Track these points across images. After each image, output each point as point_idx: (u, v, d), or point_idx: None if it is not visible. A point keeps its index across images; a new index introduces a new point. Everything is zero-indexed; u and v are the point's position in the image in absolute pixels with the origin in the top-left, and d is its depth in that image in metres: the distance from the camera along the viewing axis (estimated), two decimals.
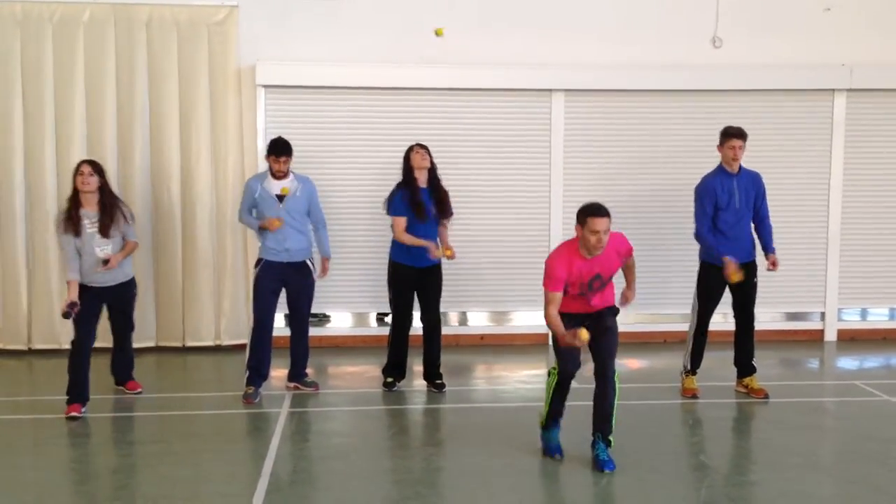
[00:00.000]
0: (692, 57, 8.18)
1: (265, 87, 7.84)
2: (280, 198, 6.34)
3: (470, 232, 8.06)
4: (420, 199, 6.42)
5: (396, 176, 7.61)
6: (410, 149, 6.55)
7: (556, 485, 4.98)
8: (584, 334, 4.81)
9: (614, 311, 5.24)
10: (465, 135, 8.06)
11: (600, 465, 5.04)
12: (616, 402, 5.09)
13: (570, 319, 5.03)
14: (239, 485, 4.82)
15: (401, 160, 6.66)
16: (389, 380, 6.69)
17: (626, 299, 5.38)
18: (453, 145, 8.03)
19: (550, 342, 5.57)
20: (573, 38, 8.09)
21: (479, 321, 8.78)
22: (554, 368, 5.22)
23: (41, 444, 5.59)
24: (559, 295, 4.98)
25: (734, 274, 6.10)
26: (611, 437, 5.11)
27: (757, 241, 6.47)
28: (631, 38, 8.13)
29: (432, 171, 6.55)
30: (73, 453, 5.41)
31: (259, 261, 6.42)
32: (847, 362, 7.89)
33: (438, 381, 6.71)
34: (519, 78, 7.99)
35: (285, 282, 6.44)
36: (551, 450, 5.31)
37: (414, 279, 6.55)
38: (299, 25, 7.90)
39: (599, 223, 4.82)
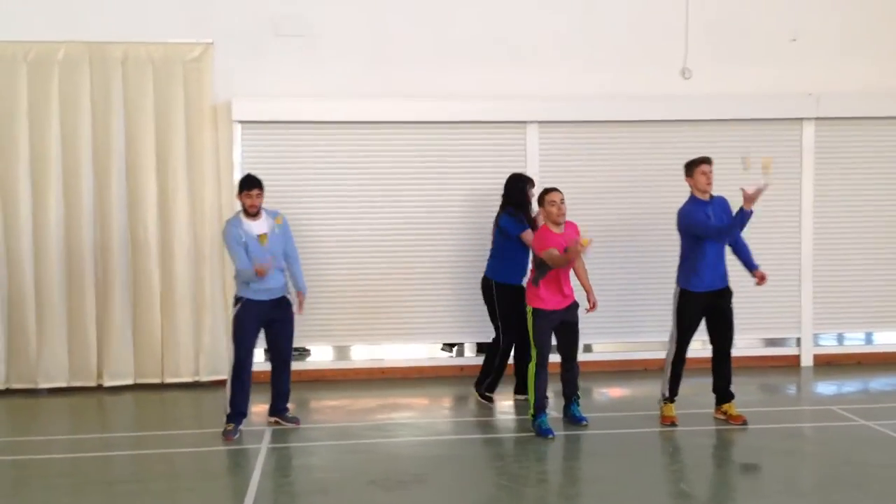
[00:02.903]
0: (663, 88, 8.32)
1: (241, 122, 7.86)
2: (261, 238, 6.34)
3: (451, 263, 8.11)
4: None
5: (375, 207, 8.00)
6: (535, 189, 7.00)
7: None
8: (585, 241, 6.07)
9: (577, 306, 6.44)
10: (442, 166, 8.12)
11: (577, 420, 6.46)
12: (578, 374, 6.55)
13: (549, 316, 6.26)
14: None
15: (376, 191, 7.93)
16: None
17: (592, 305, 6.51)
18: (430, 177, 8.09)
19: (530, 330, 6.33)
20: (547, 70, 8.21)
21: (461, 351, 8.75)
22: (533, 351, 6.28)
23: (17, 485, 5.52)
24: (553, 249, 6.12)
25: (767, 165, 6.15)
26: (579, 395, 6.57)
27: (737, 263, 6.52)
28: (603, 70, 8.26)
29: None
30: (49, 495, 5.33)
31: (238, 299, 6.38)
32: (824, 387, 7.95)
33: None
34: (494, 110, 8.08)
35: (266, 319, 6.42)
36: (544, 432, 6.19)
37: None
38: (274, 61, 7.95)
39: (555, 195, 6.30)
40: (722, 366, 6.55)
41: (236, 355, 6.34)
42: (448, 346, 8.57)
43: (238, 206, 6.45)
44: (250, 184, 6.33)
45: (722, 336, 6.51)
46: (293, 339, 6.61)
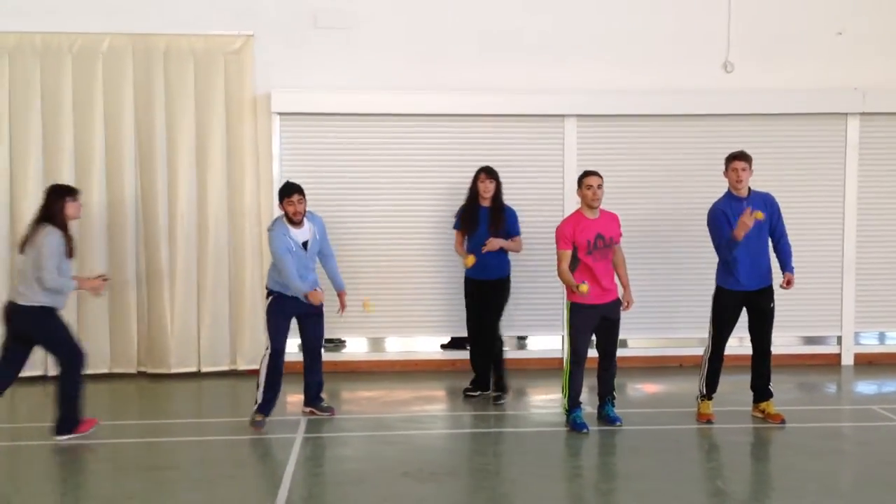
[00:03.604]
0: (704, 81, 8.22)
1: (280, 114, 7.93)
2: (304, 245, 6.37)
3: None
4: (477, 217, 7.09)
5: (413, 200, 8.11)
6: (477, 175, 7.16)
7: None
8: (584, 288, 5.95)
9: (619, 302, 6.32)
10: (480, 159, 8.05)
11: (612, 420, 6.31)
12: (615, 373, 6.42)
13: (587, 311, 6.13)
14: None
15: (414, 184, 7.96)
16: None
17: (626, 304, 6.33)
18: (468, 170, 8.04)
19: (565, 331, 6.37)
20: (585, 63, 8.16)
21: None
22: (567, 348, 6.27)
23: (56, 470, 5.63)
24: (568, 252, 6.13)
25: (750, 217, 6.00)
26: (614, 395, 6.43)
27: (775, 261, 6.44)
28: (643, 64, 8.18)
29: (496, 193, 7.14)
30: (88, 479, 5.43)
31: (271, 292, 6.43)
32: (864, 387, 7.83)
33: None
34: (532, 103, 8.05)
35: (297, 313, 6.47)
36: (578, 426, 6.17)
37: (477, 291, 7.14)
38: (314, 53, 8.00)
39: (592, 179, 6.18)
40: (761, 363, 6.47)
41: (274, 347, 6.38)
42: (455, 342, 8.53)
43: (277, 211, 6.46)
44: (290, 190, 6.32)
45: (761, 334, 6.42)
46: (323, 332, 6.66)
